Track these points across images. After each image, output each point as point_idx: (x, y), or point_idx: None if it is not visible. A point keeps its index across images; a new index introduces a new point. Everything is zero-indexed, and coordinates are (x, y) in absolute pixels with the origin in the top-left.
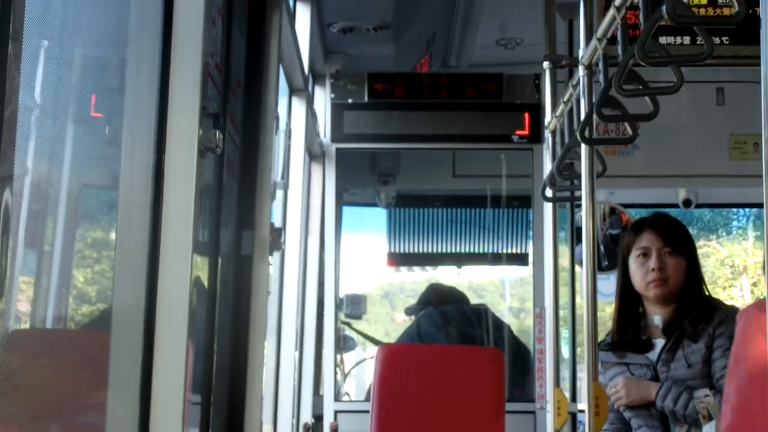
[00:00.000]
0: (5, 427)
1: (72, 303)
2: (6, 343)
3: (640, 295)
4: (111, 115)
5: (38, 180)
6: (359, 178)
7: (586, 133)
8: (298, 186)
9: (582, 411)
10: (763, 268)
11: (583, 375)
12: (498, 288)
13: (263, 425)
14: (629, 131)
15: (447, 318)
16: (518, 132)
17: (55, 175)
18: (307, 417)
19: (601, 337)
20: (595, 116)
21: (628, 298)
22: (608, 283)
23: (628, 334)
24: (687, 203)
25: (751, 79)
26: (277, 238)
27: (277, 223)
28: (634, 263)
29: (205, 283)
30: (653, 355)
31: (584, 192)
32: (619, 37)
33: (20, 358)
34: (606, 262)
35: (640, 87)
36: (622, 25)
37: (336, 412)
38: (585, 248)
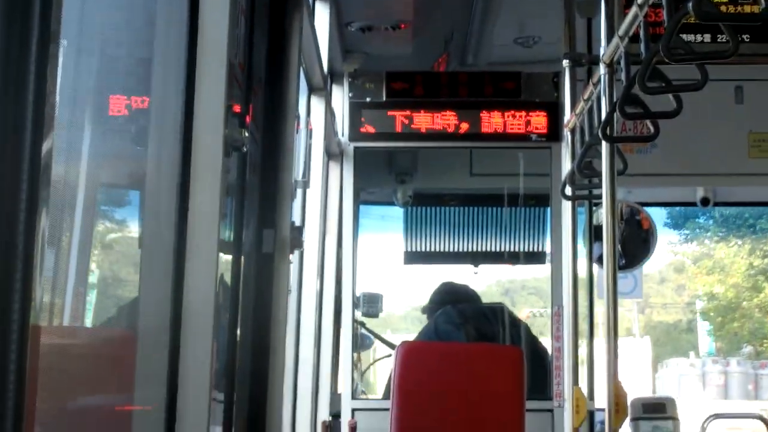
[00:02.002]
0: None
1: (99, 301)
2: (33, 340)
3: None
4: (138, 115)
5: (69, 178)
6: (376, 177)
7: (608, 131)
8: (318, 185)
9: (600, 409)
10: None
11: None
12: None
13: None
14: (650, 129)
15: (465, 316)
16: (537, 130)
17: (76, 173)
18: (324, 415)
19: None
20: (616, 114)
21: None
22: (625, 282)
23: None
24: (705, 202)
25: None
26: (297, 236)
27: (297, 222)
28: None
29: (229, 282)
30: None
31: (605, 190)
32: (641, 35)
33: (48, 355)
34: (623, 261)
35: (664, 85)
36: (644, 22)
37: (353, 410)
38: (606, 247)
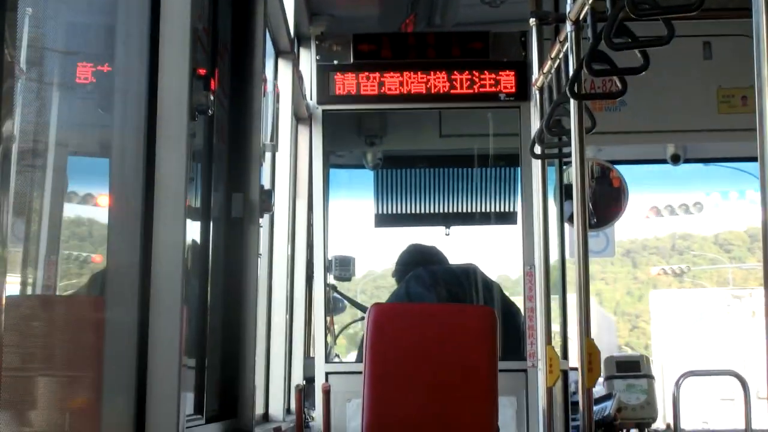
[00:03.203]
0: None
1: (66, 268)
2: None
3: None
4: (103, 81)
5: (34, 145)
6: (346, 139)
7: (576, 89)
8: (287, 148)
9: (574, 368)
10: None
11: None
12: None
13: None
14: (618, 86)
15: (436, 278)
16: (505, 90)
17: (45, 141)
18: (298, 379)
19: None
20: (584, 71)
21: None
22: (597, 241)
23: None
24: (675, 158)
25: (738, 32)
26: (267, 200)
27: (266, 186)
28: None
29: (199, 246)
30: None
31: (574, 148)
32: None
33: (16, 323)
34: (594, 220)
35: (630, 40)
36: None
37: (327, 374)
38: (576, 206)
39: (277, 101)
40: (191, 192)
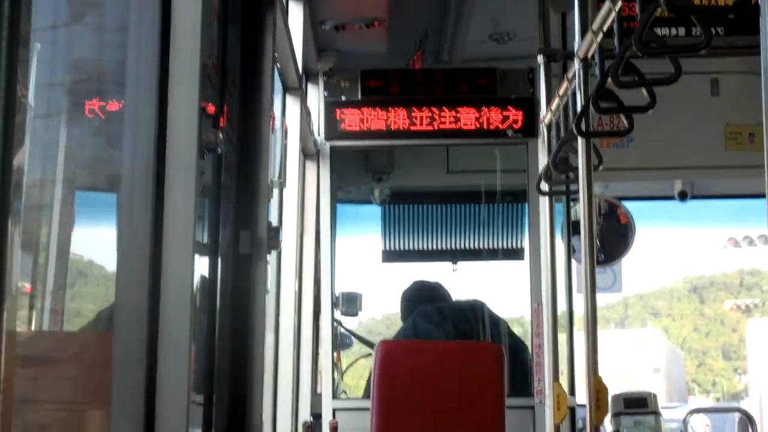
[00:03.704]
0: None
1: (74, 305)
2: (10, 344)
3: None
4: (113, 117)
5: (45, 182)
6: (353, 175)
7: (583, 126)
8: (294, 185)
9: (582, 405)
10: None
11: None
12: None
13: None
14: (625, 123)
15: (443, 315)
16: (513, 126)
17: (53, 177)
18: (306, 416)
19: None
20: (590, 109)
21: None
22: (604, 277)
23: None
24: (683, 195)
25: (746, 70)
26: (274, 237)
27: (274, 223)
28: None
29: (207, 283)
30: None
31: (581, 185)
32: (615, 29)
33: (23, 358)
34: (602, 256)
35: (637, 78)
36: (618, 16)
37: (334, 410)
38: (583, 242)
39: (285, 137)
40: (199, 228)
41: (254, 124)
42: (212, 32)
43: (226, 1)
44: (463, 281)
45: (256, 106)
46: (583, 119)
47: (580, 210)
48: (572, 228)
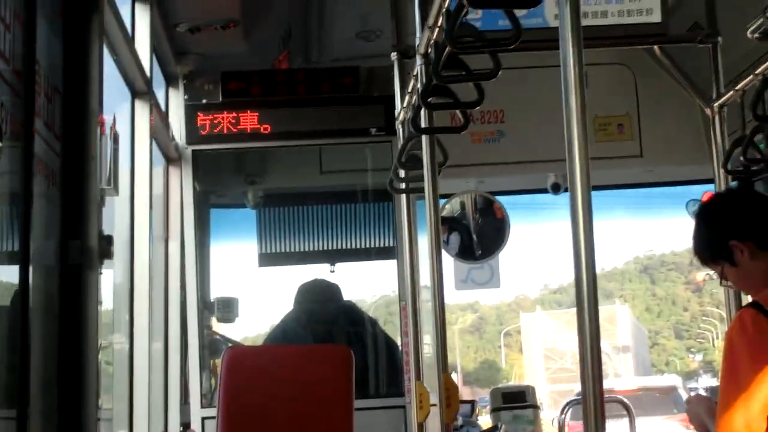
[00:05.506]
0: None
1: None
2: None
3: None
4: None
5: None
6: (226, 179)
7: (420, 123)
8: (145, 191)
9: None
10: None
11: None
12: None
13: None
14: (461, 119)
15: (312, 317)
16: (375, 124)
17: None
18: (174, 426)
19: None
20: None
21: None
22: (482, 272)
23: None
24: (556, 187)
25: (614, 61)
26: (106, 246)
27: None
28: None
29: (10, 295)
30: None
31: (426, 182)
32: (443, 24)
33: None
34: (480, 251)
35: (465, 74)
36: (446, 11)
37: (203, 419)
38: (429, 238)
39: (116, 143)
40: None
41: (81, 130)
42: (12, 36)
43: (34, 5)
44: (341, 282)
45: (83, 113)
46: (418, 116)
47: (426, 206)
48: (446, 225)
